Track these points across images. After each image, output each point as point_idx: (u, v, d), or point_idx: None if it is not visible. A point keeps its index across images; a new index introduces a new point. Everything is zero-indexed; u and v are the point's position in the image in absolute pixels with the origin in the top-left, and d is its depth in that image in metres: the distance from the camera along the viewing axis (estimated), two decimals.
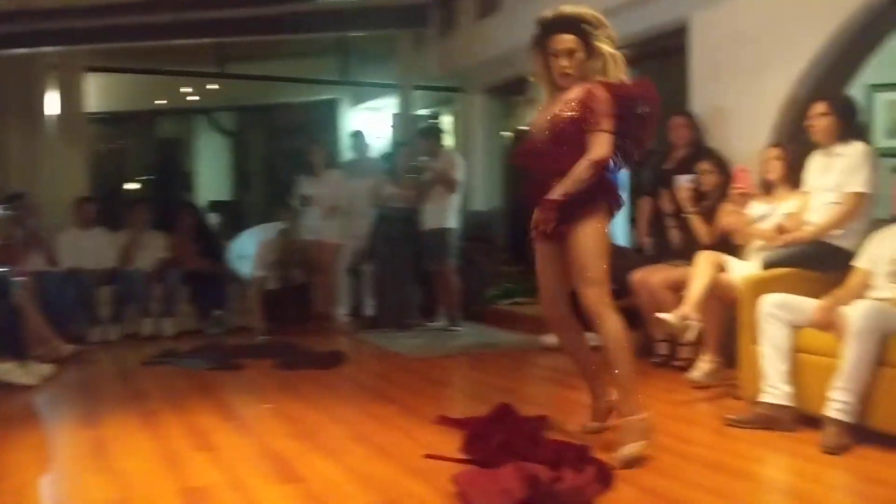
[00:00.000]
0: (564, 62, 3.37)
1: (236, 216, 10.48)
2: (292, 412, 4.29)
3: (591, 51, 3.36)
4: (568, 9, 3.36)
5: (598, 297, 3.32)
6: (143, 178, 12.72)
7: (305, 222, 7.42)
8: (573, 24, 3.36)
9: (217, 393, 4.85)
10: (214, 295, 7.33)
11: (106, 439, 3.84)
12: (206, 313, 7.29)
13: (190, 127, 12.82)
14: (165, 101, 11.72)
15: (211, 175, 12.70)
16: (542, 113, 3.50)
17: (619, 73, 3.37)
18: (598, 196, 3.36)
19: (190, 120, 12.73)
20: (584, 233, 3.33)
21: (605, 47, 3.35)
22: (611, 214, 3.46)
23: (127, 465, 3.43)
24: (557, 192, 3.30)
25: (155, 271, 7.27)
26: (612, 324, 3.33)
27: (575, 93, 3.36)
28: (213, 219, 9.34)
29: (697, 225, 5.06)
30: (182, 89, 11.13)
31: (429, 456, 3.35)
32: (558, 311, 3.62)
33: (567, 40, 3.36)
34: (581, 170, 3.28)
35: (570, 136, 3.32)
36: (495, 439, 3.40)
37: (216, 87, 10.83)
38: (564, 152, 3.33)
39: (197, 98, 11.56)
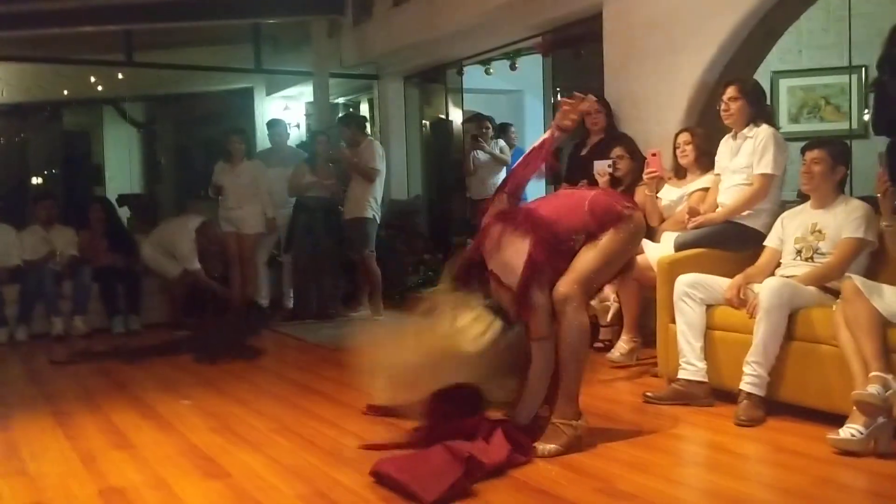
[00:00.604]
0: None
1: (147, 210, 10.20)
2: (212, 407, 4.21)
3: None
4: None
5: (575, 293, 3.19)
6: (49, 172, 12.25)
7: (222, 213, 7.28)
8: None
9: (133, 390, 4.72)
10: (127, 291, 7.12)
11: (17, 441, 3.69)
12: (116, 310, 7.07)
13: (97, 118, 12.39)
14: (71, 92, 11.28)
15: (120, 168, 12.31)
16: None
17: None
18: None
19: (97, 111, 12.30)
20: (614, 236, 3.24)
21: None
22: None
23: (41, 468, 3.30)
24: None
25: (65, 268, 7.01)
26: (581, 321, 3.20)
27: None
28: (124, 213, 9.07)
29: None
30: (90, 79, 10.73)
31: (366, 446, 3.31)
32: None
33: None
34: None
35: None
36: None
37: (123, 76, 10.47)
38: None
39: (104, 88, 11.17)
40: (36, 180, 12.05)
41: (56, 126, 12.35)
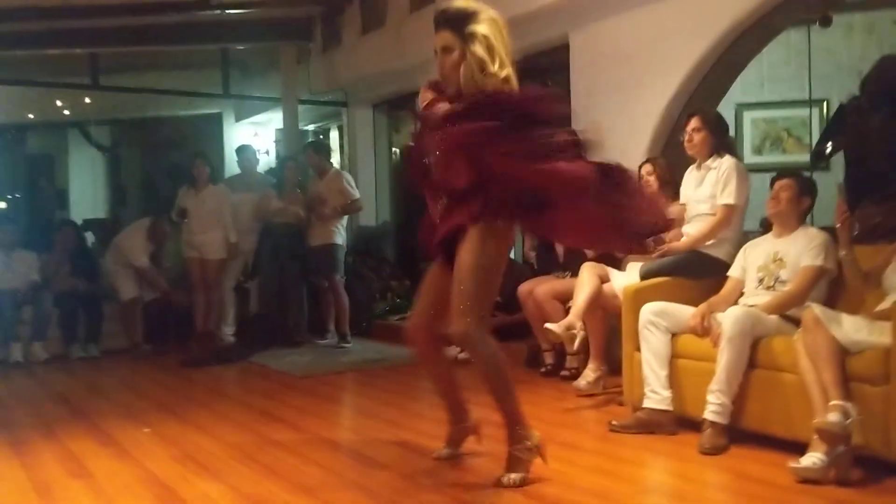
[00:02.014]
0: (439, 61, 3.12)
1: (112, 235, 10.06)
2: (173, 435, 4.13)
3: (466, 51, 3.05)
4: (451, 3, 3.13)
5: (471, 329, 3.03)
6: (12, 195, 12.05)
7: (185, 238, 7.20)
8: (449, 20, 3.11)
9: (92, 418, 4.63)
10: (87, 317, 7.02)
11: None
12: (75, 337, 6.96)
13: (62, 141, 12.24)
14: (36, 115, 11.14)
15: (84, 192, 12.15)
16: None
17: (498, 76, 3.03)
18: (496, 204, 3.00)
19: (62, 134, 12.15)
20: (472, 249, 3.05)
21: (478, 48, 3.04)
22: (508, 232, 3.15)
23: None
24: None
25: (25, 293, 6.88)
26: (488, 354, 3.10)
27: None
28: (88, 238, 8.94)
29: None
30: (55, 102, 10.61)
31: None
32: (425, 331, 3.33)
33: (442, 37, 3.11)
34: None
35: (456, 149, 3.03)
36: None
37: (89, 100, 10.38)
38: (453, 165, 3.04)
39: (70, 111, 11.05)
40: None
41: (20, 149, 12.18)
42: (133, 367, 6.53)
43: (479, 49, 3.05)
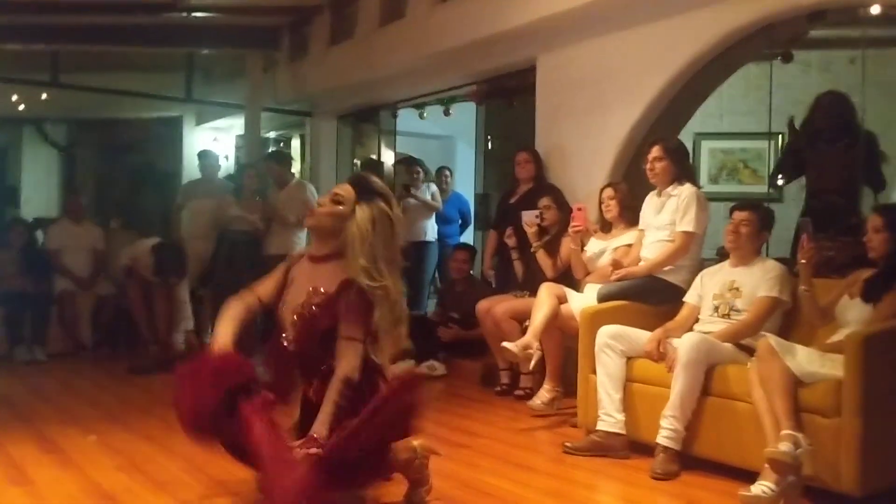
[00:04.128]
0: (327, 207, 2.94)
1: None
2: (120, 444, 4.04)
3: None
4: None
5: None
6: None
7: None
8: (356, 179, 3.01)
9: (35, 423, 4.50)
10: (33, 319, 6.84)
11: None
12: (20, 339, 6.78)
13: (17, 137, 11.95)
14: None
15: (37, 190, 11.87)
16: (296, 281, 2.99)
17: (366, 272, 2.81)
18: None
19: (17, 130, 11.87)
20: None
21: (360, 223, 2.84)
22: None
23: None
24: (313, 443, 2.65)
25: None
26: None
27: (329, 275, 2.89)
28: (39, 237, 8.74)
29: (541, 258, 5.22)
30: (12, 97, 10.36)
31: None
32: None
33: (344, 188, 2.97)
34: (334, 394, 2.73)
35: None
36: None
37: (47, 97, 10.15)
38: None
39: (26, 107, 10.80)
40: None
41: None
42: (80, 371, 6.38)
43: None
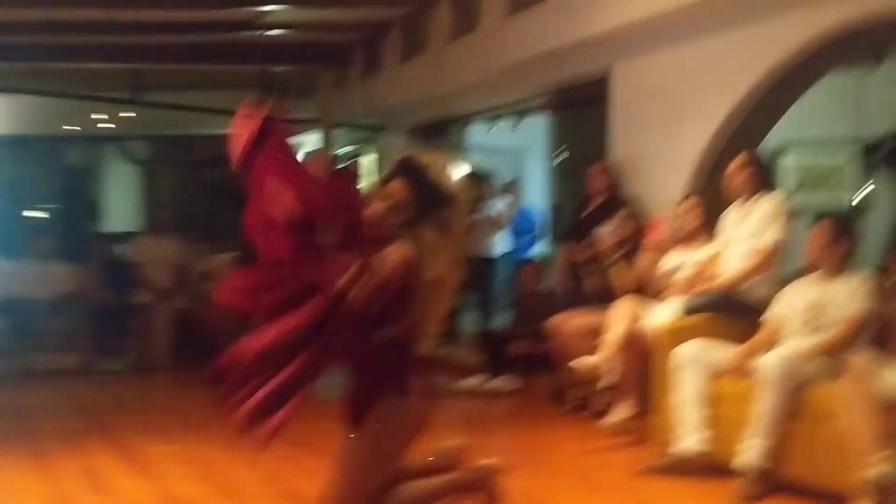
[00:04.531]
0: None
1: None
2: (197, 454, 4.09)
3: None
4: None
5: None
6: (47, 206, 12.19)
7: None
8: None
9: (117, 433, 4.60)
10: (116, 331, 7.04)
11: None
12: (104, 349, 6.98)
13: (99, 154, 12.40)
14: (76, 127, 11.29)
15: (118, 205, 12.27)
16: None
17: None
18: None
19: (100, 147, 12.31)
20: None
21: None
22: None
23: None
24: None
25: (56, 304, 6.92)
26: None
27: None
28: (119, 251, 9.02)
29: (616, 273, 5.11)
30: (94, 115, 10.75)
31: None
32: None
33: None
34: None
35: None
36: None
37: (129, 114, 10.49)
38: None
39: (109, 125, 11.19)
40: (34, 214, 11.99)
41: (57, 160, 12.35)
42: (157, 382, 6.53)
43: None
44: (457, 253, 2.72)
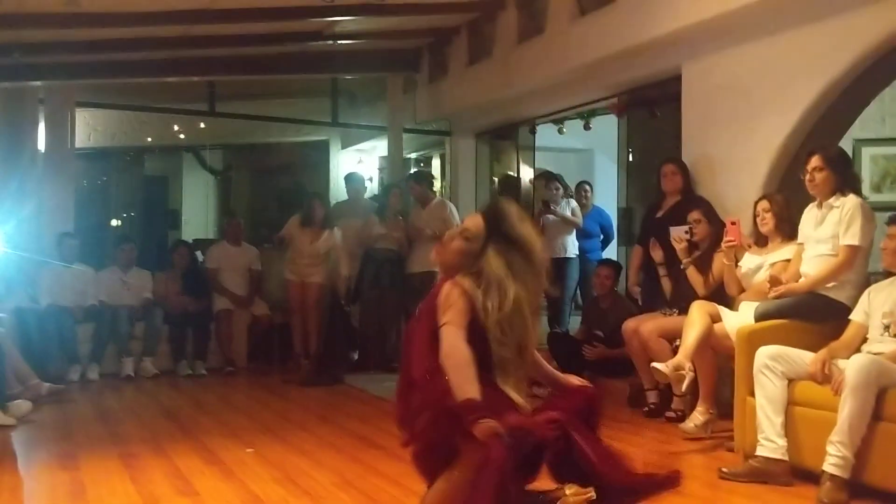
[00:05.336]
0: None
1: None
2: (275, 457, 4.19)
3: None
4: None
5: None
6: (128, 215, 12.62)
7: (288, 264, 7.30)
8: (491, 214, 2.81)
9: (198, 435, 4.74)
10: (195, 336, 7.26)
11: (84, 482, 3.72)
12: (183, 354, 7.20)
13: (177, 164, 12.77)
14: (154, 138, 11.67)
15: (196, 213, 12.62)
16: None
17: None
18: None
19: (177, 157, 12.68)
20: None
21: (494, 268, 2.70)
22: None
23: None
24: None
25: (139, 310, 7.17)
26: None
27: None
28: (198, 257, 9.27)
29: (692, 275, 5.04)
30: (172, 127, 11.11)
31: None
32: None
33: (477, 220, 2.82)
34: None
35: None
36: None
37: (204, 125, 10.82)
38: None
39: (185, 136, 11.54)
40: (116, 223, 12.42)
41: (137, 171, 12.77)
42: (236, 386, 6.71)
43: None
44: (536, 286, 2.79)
